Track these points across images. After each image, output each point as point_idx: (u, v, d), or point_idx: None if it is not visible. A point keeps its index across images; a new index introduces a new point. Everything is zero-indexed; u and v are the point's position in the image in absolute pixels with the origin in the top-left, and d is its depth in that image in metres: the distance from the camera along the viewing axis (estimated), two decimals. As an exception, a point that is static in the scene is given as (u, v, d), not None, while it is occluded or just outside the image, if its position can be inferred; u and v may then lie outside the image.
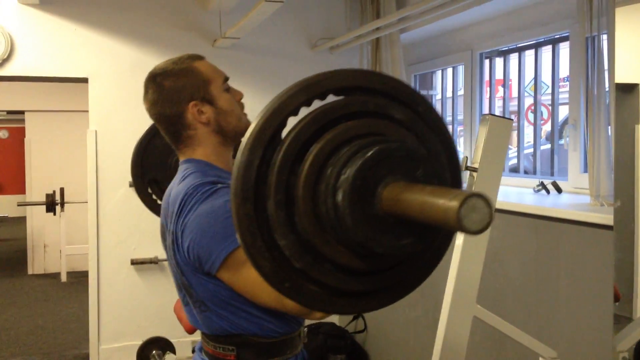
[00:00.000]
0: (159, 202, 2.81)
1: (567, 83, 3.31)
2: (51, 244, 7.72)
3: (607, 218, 2.29)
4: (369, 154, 0.85)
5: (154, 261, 4.36)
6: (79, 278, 7.23)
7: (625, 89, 2.35)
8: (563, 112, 3.47)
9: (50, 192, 7.24)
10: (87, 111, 4.36)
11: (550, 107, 3.52)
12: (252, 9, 3.50)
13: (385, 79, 0.95)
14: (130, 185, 4.27)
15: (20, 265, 8.08)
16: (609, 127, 2.53)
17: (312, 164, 0.88)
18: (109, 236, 4.35)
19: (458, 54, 3.94)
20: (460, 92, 4.10)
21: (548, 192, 2.94)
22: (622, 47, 2.38)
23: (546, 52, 3.37)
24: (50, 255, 7.74)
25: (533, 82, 3.55)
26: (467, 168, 1.99)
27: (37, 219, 7.74)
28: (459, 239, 1.98)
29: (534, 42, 3.36)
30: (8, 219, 12.51)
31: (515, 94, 3.59)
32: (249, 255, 0.90)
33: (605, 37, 2.55)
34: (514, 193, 3.10)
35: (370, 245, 0.86)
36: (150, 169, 2.72)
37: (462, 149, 3.98)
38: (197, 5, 4.41)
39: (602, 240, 2.35)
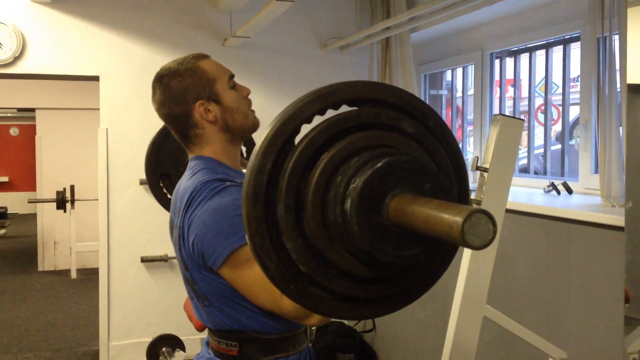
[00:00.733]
0: (169, 196, 2.84)
1: (577, 83, 3.30)
2: (61, 241, 7.77)
3: (618, 219, 2.28)
4: (379, 165, 0.87)
5: (163, 259, 4.38)
6: (89, 275, 7.27)
7: (636, 90, 2.34)
8: (573, 112, 3.46)
9: (61, 189, 7.28)
10: (97, 109, 4.39)
11: (559, 107, 3.52)
12: (262, 8, 3.51)
13: (398, 93, 0.97)
14: (141, 183, 4.29)
15: (30, 262, 8.13)
16: (620, 127, 2.52)
17: (323, 172, 0.90)
18: (119, 234, 4.37)
19: (468, 54, 3.93)
20: (470, 91, 4.09)
21: (559, 192, 2.93)
22: (634, 47, 2.37)
23: (557, 52, 3.36)
24: (60, 252, 7.79)
25: (543, 82, 3.55)
26: (477, 168, 1.99)
27: (48, 216, 7.78)
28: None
29: (545, 42, 3.35)
30: (18, 216, 12.58)
31: (525, 94, 3.58)
32: (256, 256, 0.92)
33: (617, 37, 2.55)
34: (524, 193, 3.10)
35: (376, 254, 0.88)
36: (164, 163, 2.76)
37: (471, 148, 3.98)
38: (208, 4, 4.42)
39: (613, 242, 2.35)
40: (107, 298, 4.37)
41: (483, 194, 1.96)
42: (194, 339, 4.27)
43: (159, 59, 4.25)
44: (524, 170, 3.58)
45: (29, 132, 12.32)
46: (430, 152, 0.97)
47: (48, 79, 4.51)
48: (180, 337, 4.19)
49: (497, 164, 1.96)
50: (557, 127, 4.43)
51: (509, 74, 3.75)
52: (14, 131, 13.87)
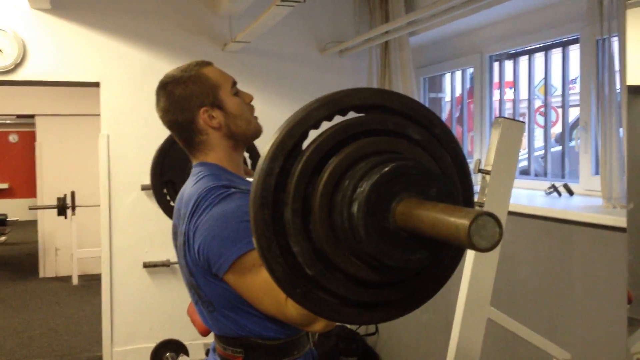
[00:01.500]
0: (171, 203, 2.86)
1: (575, 85, 3.31)
2: (62, 248, 7.78)
3: (620, 220, 2.29)
4: (386, 169, 0.88)
5: (165, 264, 4.38)
6: (90, 281, 7.28)
7: (636, 91, 2.35)
8: (572, 114, 3.47)
9: (61, 195, 7.29)
10: (96, 115, 4.41)
11: (558, 110, 3.53)
12: (262, 13, 3.52)
13: (404, 100, 0.98)
14: (142, 189, 4.30)
15: (31, 268, 8.12)
16: (621, 129, 2.53)
17: (330, 175, 0.91)
18: (121, 239, 4.38)
19: (467, 57, 3.95)
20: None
21: (559, 194, 2.94)
22: (633, 49, 2.38)
23: (555, 54, 3.37)
24: (62, 258, 7.79)
25: (542, 84, 3.56)
26: (480, 171, 2.00)
27: (48, 223, 7.79)
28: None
29: (544, 44, 3.36)
30: (19, 223, 12.56)
31: (524, 96, 3.60)
32: (263, 259, 0.93)
33: (616, 39, 2.56)
34: (525, 195, 3.11)
35: (382, 258, 0.89)
36: (169, 171, 2.78)
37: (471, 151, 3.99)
38: (208, 9, 4.43)
39: (615, 243, 2.36)
40: (110, 304, 4.37)
41: (485, 196, 1.97)
42: (198, 344, 4.28)
43: (159, 65, 4.27)
44: (525, 172, 3.60)
45: (29, 139, 12.33)
46: (436, 159, 0.98)
47: (49, 85, 4.52)
48: (184, 342, 4.20)
49: (499, 166, 1.97)
50: (556, 129, 4.45)
51: (508, 77, 3.77)
52: (13, 138, 13.88)
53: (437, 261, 0.96)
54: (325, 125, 0.95)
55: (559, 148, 3.50)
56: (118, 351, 4.39)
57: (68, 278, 7.52)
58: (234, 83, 1.65)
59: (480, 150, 3.79)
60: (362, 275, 0.94)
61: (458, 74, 4.28)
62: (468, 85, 4.18)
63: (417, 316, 3.78)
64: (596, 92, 2.64)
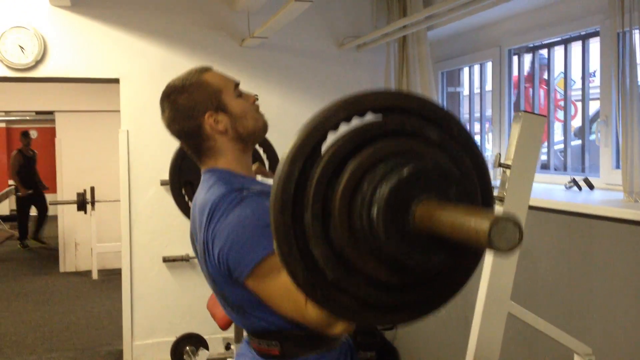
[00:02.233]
0: (190, 204, 2.89)
1: (593, 78, 3.29)
2: (82, 242, 7.85)
3: (641, 214, 2.28)
4: (405, 171, 0.89)
5: (185, 259, 4.42)
6: (110, 276, 7.35)
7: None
8: (591, 107, 3.45)
9: (81, 191, 7.36)
10: (115, 111, 4.44)
11: (576, 103, 3.50)
12: (280, 9, 3.53)
13: (422, 102, 0.99)
14: (162, 184, 4.33)
15: (52, 263, 8.23)
16: (642, 122, 2.52)
17: (350, 178, 0.92)
18: (141, 234, 4.42)
19: (486, 51, 3.93)
20: (488, 88, 4.08)
21: (580, 188, 2.92)
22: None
23: (575, 47, 3.35)
24: (82, 253, 7.87)
25: (561, 77, 3.53)
26: (500, 165, 2.00)
27: (68, 218, 7.87)
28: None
29: (563, 38, 3.34)
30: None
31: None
32: (284, 262, 0.94)
33: (637, 32, 2.54)
34: (545, 190, 3.09)
35: (402, 259, 0.89)
36: (188, 171, 2.80)
37: (490, 145, 3.97)
38: (226, 5, 4.45)
39: (637, 237, 2.34)
40: (130, 298, 4.42)
41: (506, 190, 1.97)
42: (217, 338, 4.31)
43: (178, 60, 4.30)
44: (544, 166, 3.58)
45: (48, 135, 12.43)
46: (454, 159, 0.98)
47: (69, 82, 4.57)
48: (204, 336, 4.23)
49: (519, 161, 1.97)
50: (574, 123, 4.42)
51: (527, 70, 3.74)
52: (33, 134, 14.01)
53: (457, 263, 0.97)
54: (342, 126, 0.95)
55: (579, 142, 3.48)
56: (138, 345, 4.44)
57: (88, 272, 7.59)
58: (236, 85, 1.65)
59: (499, 145, 3.77)
60: (382, 277, 0.95)
61: (476, 67, 4.26)
62: (487, 79, 4.15)
63: (436, 311, 3.78)
64: (617, 86, 2.62)
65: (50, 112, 8.69)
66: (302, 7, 3.39)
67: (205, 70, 1.64)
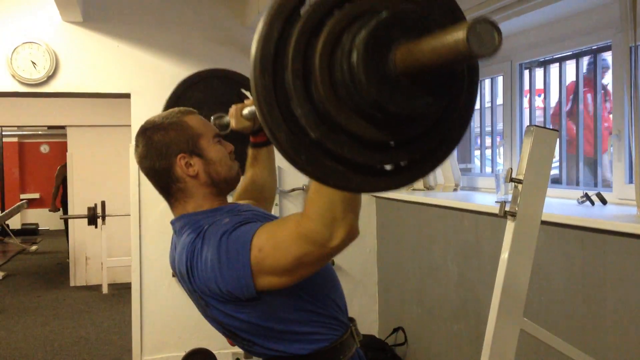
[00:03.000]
0: None
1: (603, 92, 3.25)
2: (92, 257, 7.87)
3: (656, 230, 2.25)
4: (383, 14, 0.88)
5: (194, 273, 4.40)
6: (120, 290, 7.36)
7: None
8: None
9: (92, 205, 7.39)
10: (126, 125, 4.45)
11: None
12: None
13: None
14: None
15: (62, 277, 8.25)
16: (655, 137, 2.49)
17: (329, 33, 0.90)
18: (151, 249, 4.42)
19: (497, 65, 3.92)
20: (499, 102, 4.06)
21: (593, 203, 2.89)
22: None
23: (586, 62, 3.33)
24: (92, 267, 7.89)
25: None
26: (512, 180, 1.98)
27: (79, 232, 7.90)
28: (505, 252, 1.97)
29: (575, 52, 3.32)
30: (50, 232, 12.77)
31: (553, 104, 3.55)
32: (266, 126, 0.92)
33: (649, 46, 2.53)
34: (557, 204, 3.07)
35: (385, 103, 0.87)
36: None
37: (501, 160, 3.95)
38: (236, 21, 4.48)
39: (651, 252, 2.31)
40: (140, 313, 4.41)
41: (518, 205, 1.95)
42: (226, 353, 4.29)
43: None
44: (556, 180, 3.55)
45: (60, 149, 12.54)
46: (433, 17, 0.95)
47: (81, 97, 4.59)
48: (213, 351, 4.21)
49: (531, 175, 1.95)
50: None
51: (539, 84, 3.72)
52: (44, 148, 14.13)
53: (442, 107, 0.93)
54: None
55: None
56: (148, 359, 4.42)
57: (98, 287, 7.60)
58: (217, 134, 1.64)
59: (510, 159, 3.75)
60: (368, 135, 0.92)
61: (487, 82, 4.25)
62: (498, 93, 4.13)
63: (447, 326, 3.74)
64: (629, 100, 2.60)
65: (62, 127, 8.75)
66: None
67: (188, 112, 1.63)
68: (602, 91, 3.29)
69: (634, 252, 2.39)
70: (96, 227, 7.40)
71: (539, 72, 3.70)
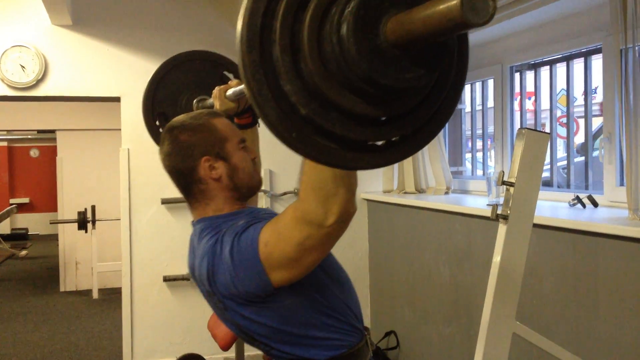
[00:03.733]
0: (160, 130, 2.77)
1: (595, 95, 3.27)
2: (83, 262, 7.82)
3: (647, 232, 2.25)
4: None
5: (186, 278, 4.38)
6: (110, 295, 7.31)
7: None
8: (593, 124, 3.43)
9: (82, 209, 7.34)
10: (116, 129, 4.43)
11: (578, 120, 3.49)
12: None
13: None
14: (163, 203, 4.31)
15: (52, 282, 8.18)
16: (646, 139, 2.50)
17: (317, 5, 0.88)
18: (141, 253, 4.39)
19: (487, 68, 3.92)
20: (490, 104, 4.07)
21: (584, 206, 2.90)
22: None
23: (577, 64, 3.34)
24: (82, 272, 7.83)
25: (562, 94, 3.52)
26: (503, 183, 1.98)
27: (69, 237, 7.84)
28: (497, 255, 1.96)
29: (565, 55, 3.33)
30: (40, 237, 12.68)
31: (545, 106, 3.56)
32: (255, 104, 0.90)
33: (640, 48, 2.53)
34: (549, 207, 3.07)
35: (375, 76, 0.86)
36: (161, 103, 2.70)
37: (492, 163, 3.95)
38: (228, 25, 4.45)
39: (643, 255, 2.31)
40: (130, 318, 4.38)
41: (509, 208, 1.95)
42: (218, 358, 4.27)
43: (179, 79, 4.29)
44: (547, 183, 3.55)
45: (49, 154, 12.46)
46: None
47: (70, 100, 4.57)
48: (204, 356, 4.19)
49: (523, 178, 1.95)
50: (576, 140, 4.40)
51: (530, 87, 3.73)
52: (34, 153, 14.04)
53: (434, 79, 0.92)
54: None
55: (582, 159, 3.46)
56: (138, 365, 4.39)
57: (88, 292, 7.55)
58: (242, 140, 1.64)
59: (501, 162, 3.76)
60: (359, 110, 0.90)
61: (478, 84, 4.26)
62: (489, 96, 4.14)
63: (439, 330, 3.74)
64: (620, 102, 2.60)
65: (52, 131, 8.70)
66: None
67: (216, 115, 1.65)
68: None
69: (625, 255, 2.39)
70: (86, 231, 7.35)
71: (529, 75, 3.71)
